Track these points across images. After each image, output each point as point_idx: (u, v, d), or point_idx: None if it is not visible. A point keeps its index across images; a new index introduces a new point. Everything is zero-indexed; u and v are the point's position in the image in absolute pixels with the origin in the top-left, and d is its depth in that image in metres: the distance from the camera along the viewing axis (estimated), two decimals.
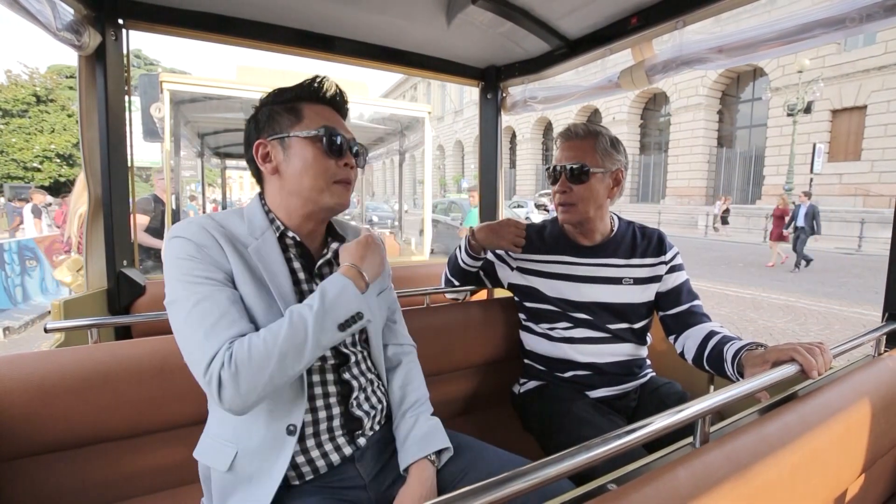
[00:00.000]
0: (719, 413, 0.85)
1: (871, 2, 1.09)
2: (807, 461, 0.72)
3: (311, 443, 0.87)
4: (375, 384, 1.00)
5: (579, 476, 0.60)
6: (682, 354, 1.25)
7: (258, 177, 0.95)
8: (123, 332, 1.67)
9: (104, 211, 1.59)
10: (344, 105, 0.98)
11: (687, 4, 1.39)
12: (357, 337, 0.98)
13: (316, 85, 0.93)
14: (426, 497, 0.85)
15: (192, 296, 0.77)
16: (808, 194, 9.69)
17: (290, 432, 0.83)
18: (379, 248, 0.93)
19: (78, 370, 0.98)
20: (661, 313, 1.33)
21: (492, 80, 2.18)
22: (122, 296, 1.66)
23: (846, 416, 0.82)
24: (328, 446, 0.89)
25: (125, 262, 1.67)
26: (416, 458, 0.90)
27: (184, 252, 0.81)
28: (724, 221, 16.15)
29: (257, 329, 0.79)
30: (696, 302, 1.29)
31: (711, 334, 1.16)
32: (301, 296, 0.90)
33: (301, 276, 0.94)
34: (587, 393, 1.31)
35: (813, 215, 7.84)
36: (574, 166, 1.25)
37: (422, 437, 0.94)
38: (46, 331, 1.22)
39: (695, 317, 1.26)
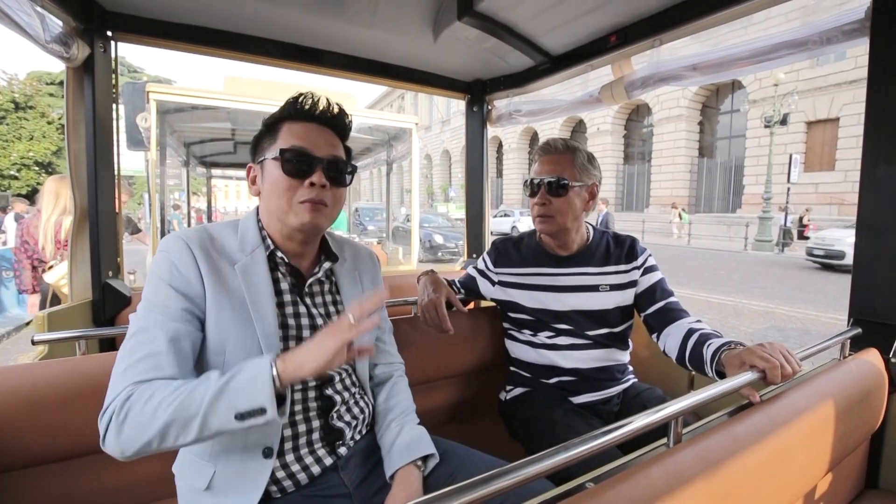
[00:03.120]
0: (695, 414, 0.89)
1: (831, 26, 1.16)
2: (775, 459, 0.76)
3: (290, 457, 0.87)
4: (358, 395, 1.00)
5: (559, 476, 0.62)
6: (665, 353, 1.27)
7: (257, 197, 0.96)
8: (108, 344, 1.65)
9: (90, 221, 1.59)
10: (334, 119, 0.94)
11: (663, 24, 1.46)
12: None
13: (298, 103, 0.91)
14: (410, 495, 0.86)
15: (138, 321, 0.78)
16: (605, 201, 10.25)
17: (266, 455, 0.83)
18: (335, 337, 0.75)
19: (66, 382, 0.98)
20: (641, 314, 1.37)
21: (478, 93, 2.23)
22: (108, 307, 1.64)
23: (812, 417, 0.87)
24: (308, 459, 0.89)
25: (111, 273, 1.66)
26: (402, 465, 0.91)
27: (157, 269, 0.81)
28: (802, 237, 13.21)
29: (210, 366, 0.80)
30: (671, 299, 1.33)
31: (690, 332, 1.18)
32: (284, 318, 0.90)
33: (287, 297, 0.92)
34: (571, 399, 1.34)
35: (606, 222, 8.33)
36: (552, 180, 1.30)
37: (407, 444, 0.94)
38: (34, 342, 1.21)
39: (672, 313, 1.29)
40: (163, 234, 4.21)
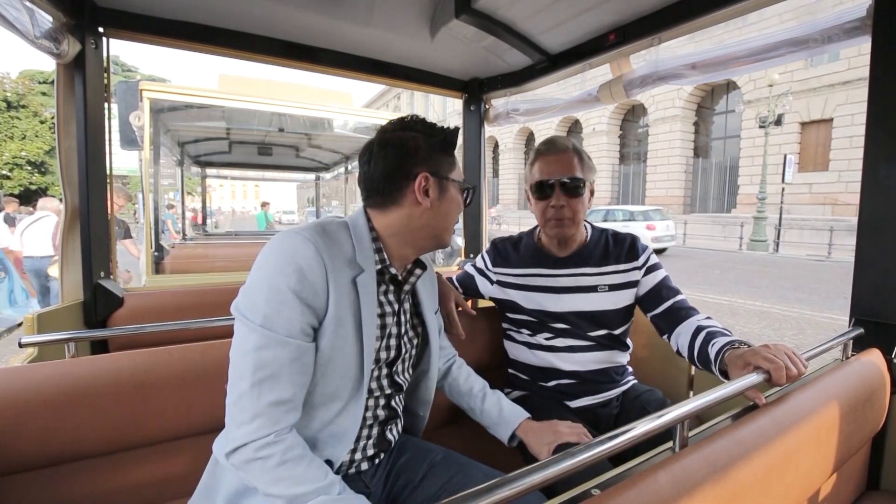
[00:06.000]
0: (697, 417, 0.88)
1: (831, 24, 1.15)
2: (780, 462, 0.75)
3: (344, 465, 0.91)
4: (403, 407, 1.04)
5: (563, 482, 0.61)
6: (679, 353, 1.23)
7: (387, 201, 0.90)
8: (100, 347, 1.63)
9: (81, 221, 1.56)
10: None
11: (662, 22, 1.45)
12: (408, 364, 1.00)
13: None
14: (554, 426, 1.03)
15: (257, 334, 0.74)
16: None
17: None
18: None
19: (56, 385, 0.95)
20: (649, 315, 1.32)
21: (475, 92, 2.21)
22: (100, 308, 1.62)
23: (817, 418, 0.86)
24: (354, 463, 0.91)
25: (102, 274, 1.63)
26: (522, 418, 1.07)
27: (278, 272, 0.75)
28: None
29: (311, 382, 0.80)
30: (679, 297, 1.28)
31: (698, 331, 1.14)
32: (383, 329, 0.91)
33: (387, 308, 0.93)
34: (569, 403, 1.32)
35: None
36: (568, 179, 1.25)
37: (511, 406, 1.11)
38: (21, 345, 1.18)
39: (681, 311, 1.25)
40: (157, 235, 4.16)
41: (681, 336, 1.20)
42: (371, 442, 0.93)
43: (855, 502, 1.12)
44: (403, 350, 0.96)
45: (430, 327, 1.04)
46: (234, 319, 0.76)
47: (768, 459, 0.72)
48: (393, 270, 0.91)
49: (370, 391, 0.91)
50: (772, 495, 0.73)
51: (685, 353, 1.18)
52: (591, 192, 1.34)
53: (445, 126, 0.94)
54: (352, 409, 0.85)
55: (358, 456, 0.91)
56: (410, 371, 1.02)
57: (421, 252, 0.96)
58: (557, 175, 1.26)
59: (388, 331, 0.92)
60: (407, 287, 0.97)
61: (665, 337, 1.29)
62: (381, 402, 0.94)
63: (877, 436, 1.11)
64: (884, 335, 1.10)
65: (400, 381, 0.96)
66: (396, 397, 0.97)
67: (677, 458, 0.66)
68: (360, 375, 0.84)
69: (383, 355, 0.92)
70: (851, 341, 1.10)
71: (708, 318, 1.20)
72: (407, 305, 1.00)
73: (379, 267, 0.89)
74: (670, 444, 0.71)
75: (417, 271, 0.99)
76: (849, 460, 1.00)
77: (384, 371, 0.93)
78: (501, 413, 1.08)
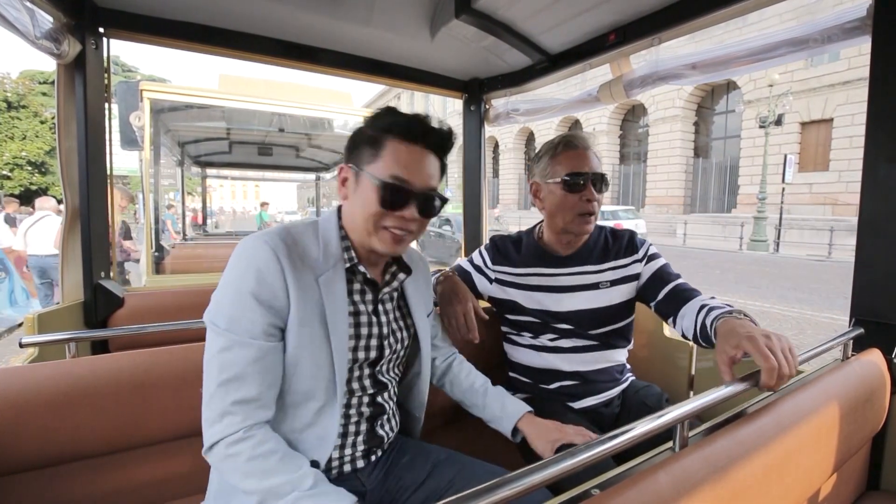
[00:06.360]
0: (698, 417, 0.88)
1: (831, 24, 1.15)
2: (780, 462, 0.75)
3: (335, 462, 0.90)
4: (396, 406, 1.04)
5: (563, 482, 0.61)
6: (684, 335, 1.18)
7: (340, 194, 0.92)
8: (100, 347, 1.63)
9: (81, 221, 1.56)
10: (442, 144, 0.89)
11: (662, 22, 1.45)
12: (395, 364, 1.00)
13: (412, 123, 0.85)
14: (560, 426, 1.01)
15: (221, 336, 0.77)
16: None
17: (312, 465, 0.81)
18: None
19: (57, 385, 0.96)
20: (652, 304, 1.29)
21: (475, 92, 2.21)
22: (100, 308, 1.62)
23: (817, 418, 0.86)
24: (344, 459, 0.91)
25: (103, 274, 1.63)
26: (524, 412, 1.06)
27: (238, 276, 0.78)
28: None
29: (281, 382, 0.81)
30: (679, 281, 1.26)
31: (701, 308, 1.09)
32: (357, 329, 0.90)
33: (361, 307, 0.92)
34: (572, 404, 1.32)
35: None
36: (601, 174, 1.25)
37: (513, 402, 1.10)
38: (21, 345, 1.18)
39: (683, 293, 1.21)
40: (157, 236, 4.17)
41: (685, 318, 1.16)
42: (361, 438, 0.93)
43: (855, 502, 1.12)
44: (387, 351, 0.95)
45: (420, 330, 1.03)
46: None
47: (768, 459, 0.72)
48: (362, 268, 0.90)
49: (352, 391, 0.91)
50: (772, 495, 0.73)
51: (690, 334, 1.13)
52: None
53: (412, 114, 0.87)
54: (329, 409, 0.85)
55: (348, 452, 0.91)
56: (399, 370, 1.02)
57: (369, 251, 0.90)
58: (590, 169, 1.24)
59: (364, 331, 0.91)
60: (387, 289, 0.96)
61: (670, 321, 1.23)
62: (366, 399, 0.93)
63: (877, 436, 1.11)
64: (884, 335, 1.10)
65: (385, 380, 0.96)
66: (383, 394, 0.97)
67: (677, 458, 0.66)
68: (332, 375, 0.84)
69: (362, 355, 0.91)
70: (851, 341, 1.10)
71: (712, 297, 1.15)
72: (390, 306, 0.99)
73: (349, 265, 0.88)
74: (670, 443, 0.71)
75: (401, 275, 0.97)
76: (849, 460, 1.00)
77: (366, 371, 0.93)
78: (504, 407, 1.08)
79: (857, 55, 14.47)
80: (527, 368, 1.39)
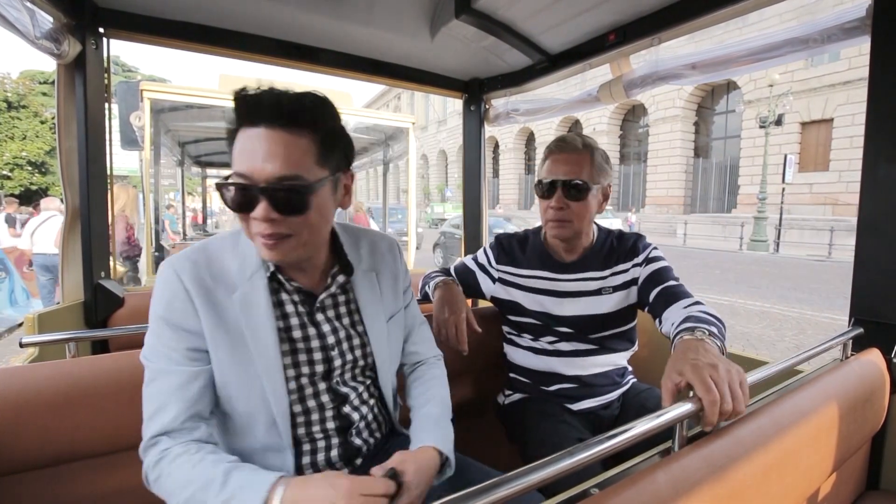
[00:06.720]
0: (697, 416, 0.88)
1: (831, 24, 1.16)
2: (780, 462, 0.75)
3: (308, 471, 0.85)
4: (377, 409, 0.97)
5: (563, 481, 0.61)
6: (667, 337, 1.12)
7: None
8: (101, 347, 1.63)
9: (82, 221, 1.56)
10: (292, 113, 0.71)
11: (662, 22, 1.45)
12: (353, 374, 0.92)
13: (245, 102, 0.71)
14: (421, 467, 0.76)
15: (149, 362, 0.76)
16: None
17: None
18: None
19: (56, 385, 0.95)
20: (646, 307, 1.26)
21: (475, 92, 2.21)
22: (100, 308, 1.62)
23: (816, 418, 0.86)
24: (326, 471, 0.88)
25: (103, 274, 1.64)
26: (423, 443, 0.83)
27: (155, 301, 0.76)
28: None
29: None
30: (671, 282, 1.21)
31: (680, 315, 1.04)
32: (293, 343, 0.83)
33: (294, 320, 0.84)
34: (571, 406, 1.31)
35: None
36: (571, 181, 1.20)
37: (433, 427, 0.88)
38: (22, 345, 1.18)
39: (669, 295, 1.17)
40: (157, 236, 4.17)
41: (667, 322, 1.11)
42: (335, 453, 0.88)
43: (854, 502, 1.12)
44: (337, 361, 0.88)
45: (372, 337, 0.92)
46: None
47: (767, 459, 0.72)
48: (282, 277, 0.82)
49: (308, 409, 0.85)
50: (771, 495, 0.73)
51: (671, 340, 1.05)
52: (606, 196, 1.29)
53: (254, 90, 0.72)
54: (276, 429, 0.80)
55: (323, 468, 0.86)
56: (361, 379, 0.94)
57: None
58: (561, 175, 1.21)
59: (301, 345, 0.84)
60: (325, 295, 0.86)
61: (657, 322, 1.18)
62: (329, 413, 0.87)
63: (876, 435, 1.11)
64: (883, 335, 1.10)
65: (346, 391, 0.89)
66: (347, 406, 0.90)
67: (676, 458, 0.66)
68: (263, 393, 0.78)
69: (307, 370, 0.84)
70: (851, 341, 1.10)
71: (697, 302, 1.10)
72: (337, 312, 0.90)
73: (269, 274, 0.81)
74: (669, 443, 0.71)
75: (340, 278, 0.88)
76: (848, 460, 1.00)
77: (321, 385, 0.87)
78: (422, 428, 0.90)
79: (858, 55, 14.48)
80: (526, 370, 1.39)
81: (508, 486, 0.53)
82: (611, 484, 0.60)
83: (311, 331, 0.86)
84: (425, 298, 1.48)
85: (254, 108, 0.70)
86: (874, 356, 1.08)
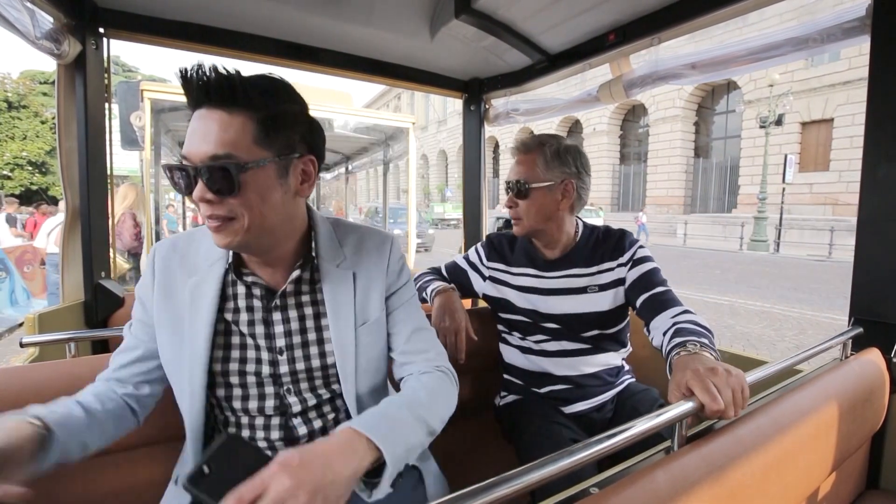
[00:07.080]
0: (697, 416, 0.89)
1: (831, 24, 1.16)
2: (779, 461, 0.75)
3: None
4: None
5: (562, 480, 0.61)
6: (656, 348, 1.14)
7: None
8: (100, 347, 1.63)
9: (82, 221, 1.56)
10: (229, 91, 0.68)
11: (662, 22, 1.45)
12: (321, 384, 0.84)
13: (189, 84, 0.69)
14: (332, 450, 0.61)
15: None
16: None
17: (175, 482, 0.81)
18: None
19: (56, 385, 0.95)
20: (635, 310, 1.26)
21: (475, 92, 2.21)
22: (100, 308, 1.62)
23: (816, 418, 0.86)
24: None
25: (103, 274, 1.64)
26: (353, 426, 0.65)
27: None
28: None
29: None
30: (659, 288, 1.20)
31: (668, 329, 1.05)
32: (241, 337, 0.80)
33: (244, 316, 0.81)
34: (564, 409, 1.31)
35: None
36: (515, 182, 1.28)
37: (374, 423, 0.68)
38: (22, 345, 1.18)
39: (657, 303, 1.17)
40: (157, 236, 4.18)
41: (656, 331, 1.12)
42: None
43: (854, 501, 1.12)
44: (283, 367, 0.81)
45: (336, 344, 0.82)
46: None
47: (767, 458, 0.72)
48: (243, 270, 0.80)
49: (250, 413, 0.82)
50: (770, 494, 0.73)
51: (662, 351, 1.06)
52: (566, 192, 1.27)
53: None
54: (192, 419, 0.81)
55: None
56: (322, 391, 0.85)
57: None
58: (512, 176, 1.30)
59: (250, 341, 0.80)
60: (282, 292, 0.80)
61: (646, 330, 1.18)
62: (276, 422, 0.82)
63: (876, 435, 1.11)
64: (883, 334, 1.10)
65: (291, 401, 0.82)
66: (299, 417, 0.83)
67: (676, 457, 0.66)
68: (190, 389, 0.79)
69: (251, 368, 0.80)
70: (851, 341, 1.10)
71: (685, 311, 1.10)
72: (294, 314, 0.82)
73: (228, 264, 0.80)
74: (669, 442, 0.71)
75: (295, 273, 0.80)
76: (848, 459, 1.00)
77: (268, 390, 0.81)
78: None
79: (858, 55, 14.47)
80: (519, 370, 1.39)
81: (503, 486, 0.52)
82: (610, 483, 0.60)
83: (260, 329, 0.81)
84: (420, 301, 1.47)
85: (196, 88, 0.69)
86: (874, 356, 1.08)
